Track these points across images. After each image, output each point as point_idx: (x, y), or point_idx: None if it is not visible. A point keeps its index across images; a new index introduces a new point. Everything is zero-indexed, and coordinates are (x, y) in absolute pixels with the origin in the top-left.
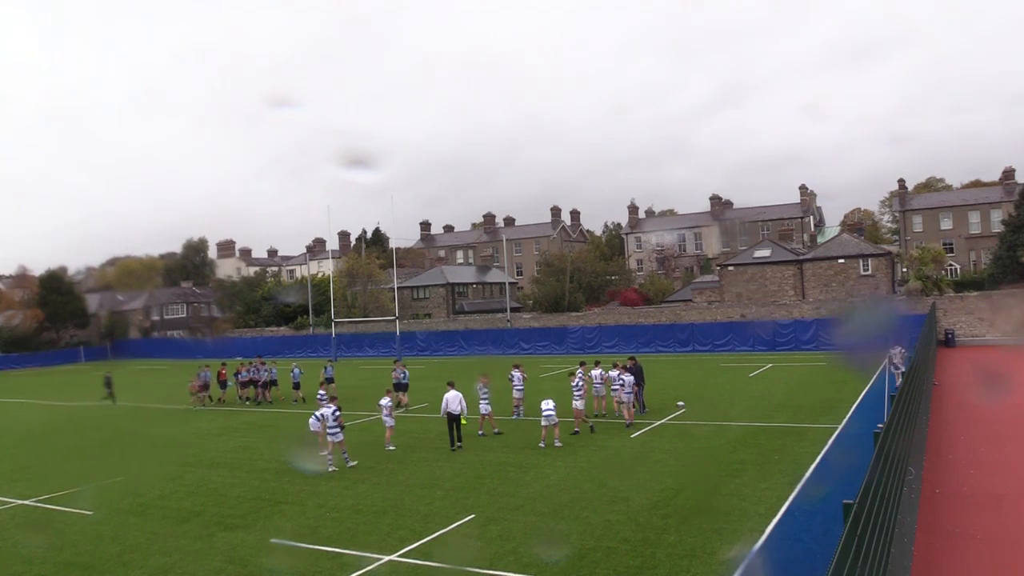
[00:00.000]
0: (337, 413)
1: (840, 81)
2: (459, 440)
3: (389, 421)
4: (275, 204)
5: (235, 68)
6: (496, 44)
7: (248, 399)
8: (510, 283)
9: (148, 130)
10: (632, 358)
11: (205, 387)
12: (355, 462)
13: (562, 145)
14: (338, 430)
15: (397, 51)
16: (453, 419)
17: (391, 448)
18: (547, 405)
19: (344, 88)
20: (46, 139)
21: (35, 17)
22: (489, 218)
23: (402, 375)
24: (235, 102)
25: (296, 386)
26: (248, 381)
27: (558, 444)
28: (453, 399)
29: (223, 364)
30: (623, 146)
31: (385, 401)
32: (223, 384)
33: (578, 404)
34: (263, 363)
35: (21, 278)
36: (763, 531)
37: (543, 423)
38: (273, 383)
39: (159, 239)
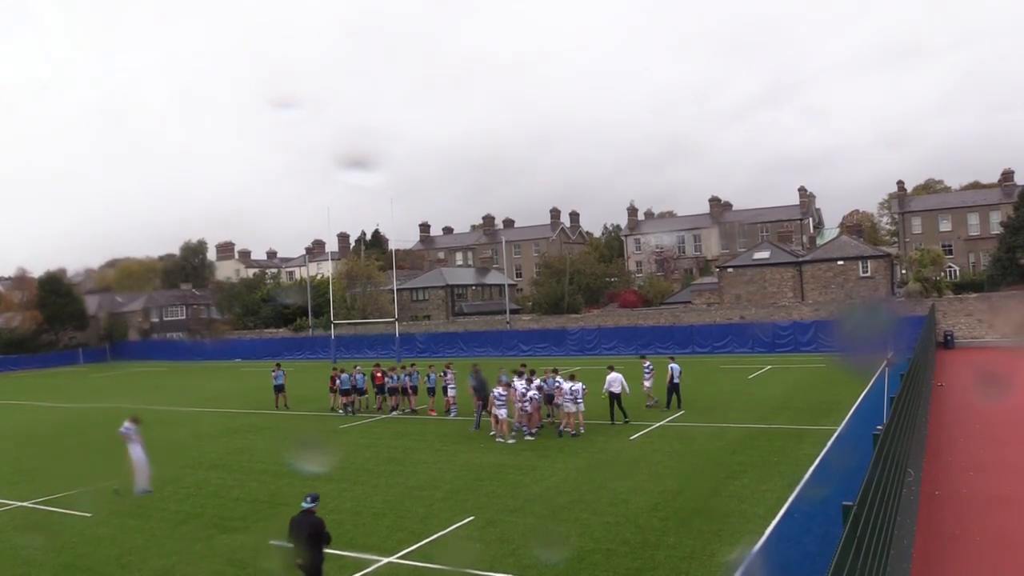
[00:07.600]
0: (503, 394)
1: (843, 86)
2: (625, 416)
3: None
4: (274, 206)
5: (236, 69)
6: (509, 51)
7: (395, 408)
8: (509, 285)
9: (149, 131)
10: (528, 368)
11: (359, 391)
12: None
13: (566, 150)
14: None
15: (403, 55)
16: (614, 397)
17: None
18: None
19: (349, 90)
20: (45, 142)
21: (35, 15)
22: (488, 220)
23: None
24: (234, 104)
25: (431, 392)
26: (393, 388)
27: (582, 431)
28: (614, 380)
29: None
30: (629, 150)
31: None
32: (380, 389)
33: (501, 412)
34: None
35: (20, 280)
36: (762, 533)
37: (572, 408)
38: (406, 390)
39: (158, 241)
